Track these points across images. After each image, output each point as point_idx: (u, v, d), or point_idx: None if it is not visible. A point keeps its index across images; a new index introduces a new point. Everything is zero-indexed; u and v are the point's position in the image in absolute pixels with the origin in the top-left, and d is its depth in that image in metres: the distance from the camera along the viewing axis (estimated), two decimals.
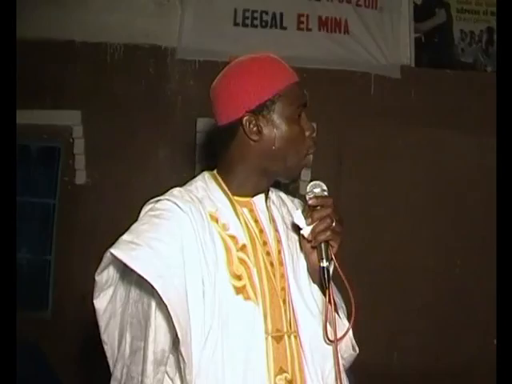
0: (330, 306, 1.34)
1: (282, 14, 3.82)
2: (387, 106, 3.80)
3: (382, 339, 3.61)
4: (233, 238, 1.36)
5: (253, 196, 1.44)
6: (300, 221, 1.37)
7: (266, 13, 3.81)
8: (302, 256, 1.45)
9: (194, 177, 1.49)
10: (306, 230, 1.36)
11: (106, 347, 1.37)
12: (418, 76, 3.88)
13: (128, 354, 1.30)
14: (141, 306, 1.29)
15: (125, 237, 1.29)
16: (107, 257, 1.27)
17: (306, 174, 3.73)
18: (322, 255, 1.33)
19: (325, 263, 1.32)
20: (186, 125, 3.72)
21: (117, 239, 1.30)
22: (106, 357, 1.38)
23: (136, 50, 3.79)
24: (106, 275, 1.33)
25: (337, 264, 1.34)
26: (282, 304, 1.37)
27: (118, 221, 3.57)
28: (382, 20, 3.86)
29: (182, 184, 1.47)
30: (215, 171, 1.48)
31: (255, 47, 3.68)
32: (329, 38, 3.80)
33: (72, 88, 3.73)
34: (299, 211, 1.40)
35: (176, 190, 1.40)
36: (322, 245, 1.33)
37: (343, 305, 1.52)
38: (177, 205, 1.32)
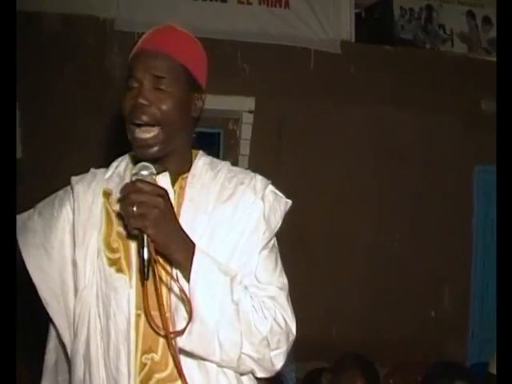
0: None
1: None
2: (327, 81, 3.82)
3: (321, 313, 3.67)
4: (119, 213, 1.29)
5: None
6: None
7: None
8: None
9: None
10: None
11: None
12: (357, 51, 3.91)
13: None
14: None
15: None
16: None
17: (244, 147, 3.74)
18: (141, 244, 1.20)
19: (145, 254, 1.18)
20: None
21: None
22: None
23: (73, 21, 3.66)
24: None
25: (154, 255, 1.20)
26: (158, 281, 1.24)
27: None
28: None
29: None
30: None
31: (195, 20, 3.71)
32: (269, 12, 3.78)
33: None
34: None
35: (92, 170, 1.46)
36: (138, 233, 1.21)
37: None
38: (71, 186, 1.42)
